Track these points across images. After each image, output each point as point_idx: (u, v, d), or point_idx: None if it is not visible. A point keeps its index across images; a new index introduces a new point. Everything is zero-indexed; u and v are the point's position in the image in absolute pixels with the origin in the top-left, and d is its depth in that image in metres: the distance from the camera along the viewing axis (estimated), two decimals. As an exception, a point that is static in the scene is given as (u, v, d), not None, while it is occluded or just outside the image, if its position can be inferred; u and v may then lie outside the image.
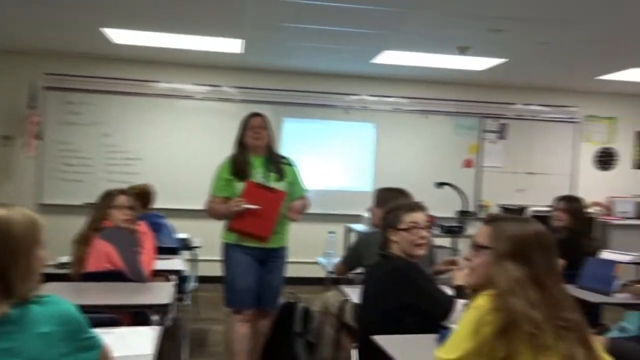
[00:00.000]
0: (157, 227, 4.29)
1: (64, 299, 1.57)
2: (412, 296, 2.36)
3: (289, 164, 3.53)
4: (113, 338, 2.00)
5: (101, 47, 5.53)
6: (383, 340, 2.16)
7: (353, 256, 3.37)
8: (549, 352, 1.49)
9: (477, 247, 1.68)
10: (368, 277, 2.73)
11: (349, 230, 5.53)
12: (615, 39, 4.45)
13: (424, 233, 2.59)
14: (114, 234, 3.07)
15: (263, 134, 3.40)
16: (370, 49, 5.18)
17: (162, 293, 2.78)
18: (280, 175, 3.41)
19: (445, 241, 5.39)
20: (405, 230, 2.54)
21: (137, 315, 2.70)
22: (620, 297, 3.36)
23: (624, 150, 7.22)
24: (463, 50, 4.85)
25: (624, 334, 3.25)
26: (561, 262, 3.87)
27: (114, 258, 2.98)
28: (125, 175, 6.07)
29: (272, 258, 3.43)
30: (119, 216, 3.13)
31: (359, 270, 3.45)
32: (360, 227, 5.14)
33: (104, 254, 2.98)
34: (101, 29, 4.83)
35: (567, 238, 3.99)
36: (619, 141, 7.20)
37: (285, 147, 6.27)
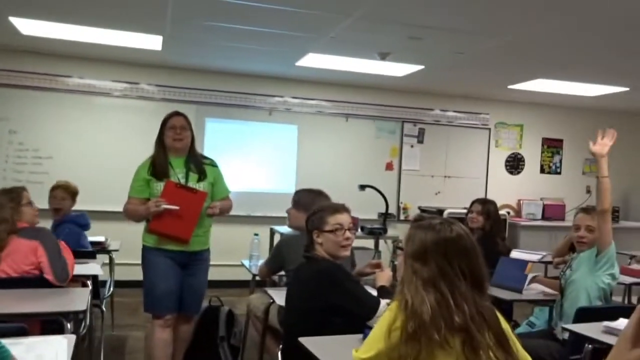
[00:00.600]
0: (84, 228, 4.10)
1: None
2: (339, 297, 2.38)
3: (211, 165, 3.46)
4: (22, 349, 1.87)
5: (8, 37, 5.18)
6: (308, 342, 2.16)
7: (276, 258, 3.36)
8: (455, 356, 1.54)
9: (400, 248, 1.74)
10: (293, 279, 2.73)
11: (273, 232, 5.50)
12: (525, 50, 4.73)
13: (348, 234, 2.62)
14: (37, 232, 2.89)
15: (183, 135, 3.31)
16: (294, 51, 5.20)
17: (78, 299, 2.64)
18: (202, 176, 3.34)
19: (367, 242, 5.50)
20: (330, 232, 2.57)
21: (47, 324, 2.55)
22: (531, 294, 3.56)
23: (531, 156, 7.69)
24: (383, 56, 4.98)
25: (532, 329, 3.46)
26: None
27: (40, 255, 2.80)
28: (34, 175, 5.73)
29: (194, 261, 3.34)
30: (30, 213, 2.95)
31: (282, 272, 3.45)
32: (284, 229, 5.13)
33: (29, 251, 2.78)
34: (10, 18, 4.52)
35: (482, 238, 4.19)
36: (527, 147, 7.67)
37: (208, 148, 6.16)
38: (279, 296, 2.92)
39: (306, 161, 6.74)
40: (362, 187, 5.40)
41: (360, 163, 6.89)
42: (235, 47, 5.19)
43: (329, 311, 2.38)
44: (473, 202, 4.38)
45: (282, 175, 6.69)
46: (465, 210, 4.54)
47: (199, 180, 3.32)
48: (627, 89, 6.10)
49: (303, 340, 2.17)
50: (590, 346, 2.59)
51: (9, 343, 1.62)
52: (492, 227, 4.22)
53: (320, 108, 6.81)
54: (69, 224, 3.99)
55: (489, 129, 7.46)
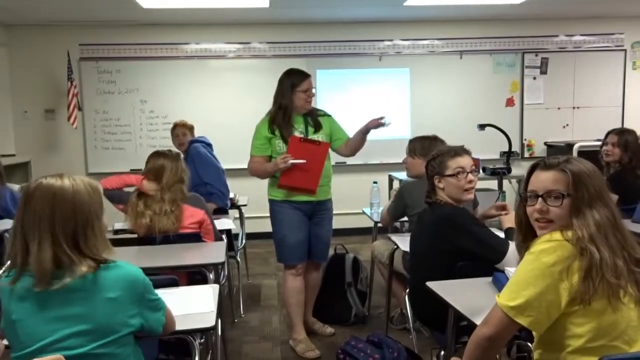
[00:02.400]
0: (210, 148, 4.52)
1: (129, 263, 1.64)
2: (465, 241, 2.37)
3: (325, 115, 3.52)
4: (176, 297, 2.09)
5: (131, 13, 5.55)
6: (436, 286, 2.18)
7: (398, 205, 3.38)
8: (624, 298, 1.48)
9: (554, 196, 1.58)
10: (417, 224, 2.74)
11: (392, 179, 5.52)
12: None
13: (471, 177, 2.59)
14: (200, 201, 3.27)
15: (312, 95, 3.40)
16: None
17: (216, 252, 2.87)
18: (318, 128, 3.42)
19: (491, 183, 5.33)
20: (451, 175, 2.54)
21: (191, 275, 2.81)
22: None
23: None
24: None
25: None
26: (614, 197, 3.81)
27: (207, 224, 3.17)
28: (167, 140, 6.16)
29: (319, 211, 3.47)
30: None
31: (405, 218, 3.47)
32: (402, 175, 5.12)
33: (195, 218, 3.11)
34: (130, -6, 4.83)
35: (620, 173, 3.89)
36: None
37: (321, 99, 6.24)
38: (403, 242, 2.96)
39: (420, 105, 6.59)
40: (482, 127, 5.19)
41: (478, 102, 6.60)
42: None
43: (455, 255, 2.38)
44: (608, 133, 4.05)
45: (397, 121, 6.60)
46: (598, 143, 4.22)
47: (316, 132, 3.41)
48: None
49: (431, 284, 2.20)
50: None
51: (163, 292, 1.82)
52: (631, 160, 3.88)
53: (432, 48, 6.57)
54: (197, 145, 4.32)
55: (625, 50, 6.74)
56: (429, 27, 6.50)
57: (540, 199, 1.60)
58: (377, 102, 6.56)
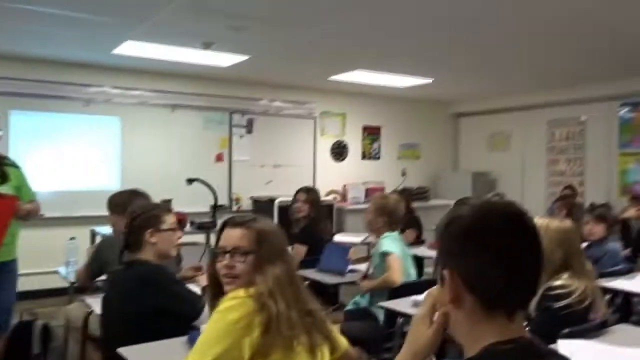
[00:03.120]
0: None
1: None
2: (164, 301, 2.30)
3: (13, 166, 3.11)
4: None
5: None
6: (129, 351, 2.06)
7: (96, 261, 3.15)
8: (297, 347, 1.60)
9: (240, 252, 1.68)
10: (110, 285, 2.57)
11: (95, 233, 5.13)
12: (343, 43, 4.98)
13: (179, 233, 2.60)
14: None
15: None
16: (110, 38, 4.86)
17: None
18: (4, 179, 2.99)
19: (198, 237, 5.40)
20: (167, 230, 2.49)
21: None
22: (353, 276, 3.79)
23: (354, 143, 8.16)
24: (207, 45, 4.89)
25: (357, 306, 3.70)
26: (304, 249, 4.23)
27: None
28: None
29: (1, 273, 2.99)
30: None
31: (104, 277, 3.24)
32: (107, 229, 4.81)
33: None
34: None
35: (309, 226, 4.36)
36: (349, 134, 8.12)
37: (14, 144, 5.53)
38: (99, 304, 2.73)
39: (132, 155, 6.38)
40: (190, 181, 5.27)
41: (189, 155, 6.71)
42: (40, 32, 4.69)
43: (153, 315, 2.29)
44: (297, 192, 4.52)
45: (105, 172, 6.25)
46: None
47: (1, 183, 2.97)
48: (431, 80, 6.76)
49: (124, 350, 2.07)
50: (401, 319, 2.84)
51: None
52: (316, 214, 4.41)
53: (144, 98, 6.49)
54: None
55: (315, 118, 7.75)
56: (140, 78, 6.41)
57: (227, 255, 1.67)
58: (83, 150, 6.11)
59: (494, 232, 0.97)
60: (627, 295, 3.53)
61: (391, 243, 3.42)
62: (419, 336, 1.13)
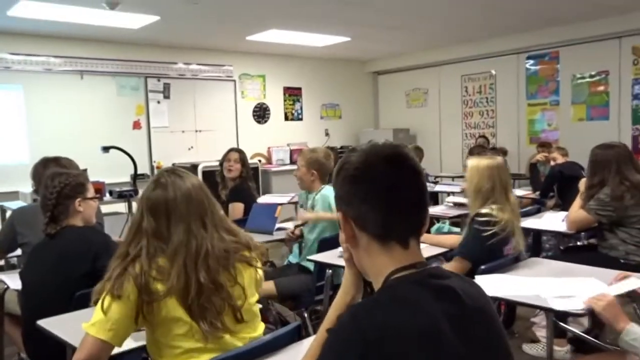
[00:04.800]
0: None
1: None
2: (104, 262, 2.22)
3: None
4: None
5: None
6: (51, 323, 1.96)
7: (8, 236, 2.95)
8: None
9: None
10: (34, 256, 2.42)
11: (4, 210, 4.81)
12: (255, 0, 4.83)
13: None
14: None
15: None
16: (4, -1, 4.46)
17: None
18: None
19: (118, 206, 5.20)
20: (92, 198, 2.48)
21: None
22: (281, 234, 3.78)
23: (275, 105, 8.07)
24: (113, 5, 4.58)
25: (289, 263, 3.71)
26: (241, 206, 4.17)
27: None
28: None
29: None
30: None
31: (18, 252, 3.05)
32: (17, 204, 4.52)
33: None
34: None
35: (241, 184, 4.31)
36: (270, 97, 8.01)
37: None
38: (14, 280, 2.58)
39: (39, 126, 5.97)
40: (106, 149, 5.03)
41: (103, 124, 6.38)
42: None
43: (82, 281, 2.19)
44: (229, 151, 4.45)
45: (11, 145, 5.83)
46: (217, 163, 4.58)
47: None
48: (349, 38, 6.75)
49: (43, 322, 1.97)
50: (330, 271, 2.88)
51: None
52: (247, 174, 4.36)
53: (49, 65, 6.05)
54: None
55: (234, 81, 7.58)
56: (43, 43, 5.96)
57: None
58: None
59: (375, 173, 1.04)
60: (537, 234, 3.77)
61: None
62: (345, 277, 1.24)
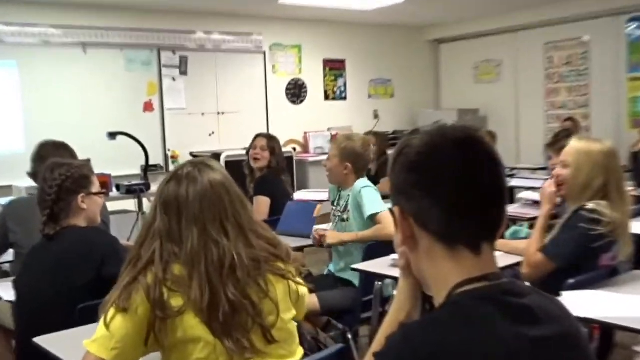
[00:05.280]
0: None
1: None
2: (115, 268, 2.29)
3: None
4: None
5: None
6: (50, 340, 2.03)
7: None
8: None
9: None
10: (32, 260, 2.50)
11: (-4, 206, 4.98)
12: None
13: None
14: None
15: None
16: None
17: None
18: None
19: (127, 203, 5.32)
20: (97, 194, 2.54)
21: None
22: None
23: (313, 81, 8.09)
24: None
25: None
26: (267, 201, 4.21)
27: None
28: None
29: None
30: None
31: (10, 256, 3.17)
32: (5, 199, 4.67)
33: None
34: None
35: (269, 178, 4.35)
36: (307, 71, 8.03)
37: None
38: (6, 289, 2.68)
39: (35, 108, 6.17)
40: (112, 135, 5.14)
41: (109, 106, 6.54)
42: None
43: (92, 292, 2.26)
44: (256, 137, 4.52)
45: (4, 131, 6.04)
46: (244, 152, 4.64)
47: None
48: (402, 1, 6.69)
49: (41, 339, 2.04)
50: (379, 283, 2.87)
51: None
52: (278, 164, 4.40)
53: (47, 37, 6.25)
54: None
55: (264, 53, 7.63)
56: (40, 11, 6.15)
57: None
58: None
59: (442, 159, 1.02)
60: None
61: (374, 192, 3.36)
62: (399, 290, 1.22)
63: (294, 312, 1.79)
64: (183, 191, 1.69)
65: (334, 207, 3.60)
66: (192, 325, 1.60)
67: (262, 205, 4.17)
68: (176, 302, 1.59)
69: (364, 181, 3.42)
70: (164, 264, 1.62)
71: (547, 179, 3.35)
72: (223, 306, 1.59)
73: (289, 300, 1.77)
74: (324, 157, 7.32)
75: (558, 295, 2.24)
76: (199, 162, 1.79)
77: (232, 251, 1.66)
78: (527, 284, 1.14)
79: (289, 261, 1.78)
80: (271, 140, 4.51)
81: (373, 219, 3.23)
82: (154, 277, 1.60)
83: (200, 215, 1.67)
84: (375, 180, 4.01)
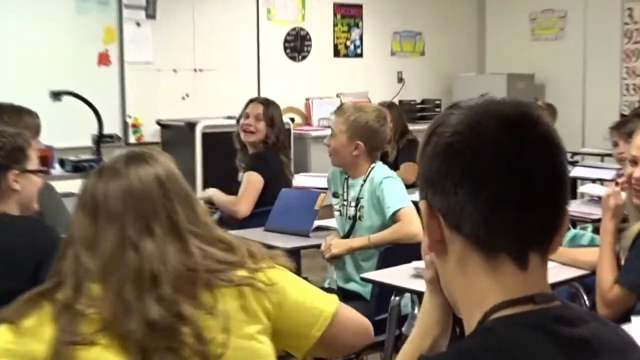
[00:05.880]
0: None
1: None
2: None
3: None
4: None
5: None
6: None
7: None
8: None
9: None
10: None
11: None
12: None
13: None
14: None
15: None
16: None
17: None
18: None
19: (74, 184, 5.32)
20: (35, 172, 2.54)
21: None
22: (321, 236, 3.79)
23: (319, 32, 8.08)
24: None
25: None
26: (260, 180, 4.20)
27: None
28: None
29: None
30: None
31: None
32: None
33: None
34: None
35: (266, 156, 4.33)
36: (311, 18, 8.02)
37: None
38: None
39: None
40: (56, 96, 5.15)
41: (55, 57, 6.53)
42: None
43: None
44: (249, 102, 4.49)
45: None
46: (228, 122, 4.62)
47: None
48: None
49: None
50: (397, 298, 2.87)
51: None
52: (278, 140, 4.38)
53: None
54: None
55: (255, -6, 7.62)
56: None
57: None
58: None
59: (484, 142, 1.00)
60: None
61: (399, 184, 3.34)
62: (424, 310, 1.23)
63: (264, 324, 1.75)
64: (101, 186, 1.68)
65: (338, 201, 3.57)
66: (106, 357, 1.56)
67: (254, 183, 4.15)
68: (88, 328, 1.55)
69: (384, 169, 3.39)
70: (78, 280, 1.60)
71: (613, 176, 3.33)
72: (141, 329, 1.56)
73: (256, 308, 1.73)
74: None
75: (627, 320, 2.23)
76: (136, 153, 1.77)
77: (154, 258, 1.64)
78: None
79: (257, 262, 1.75)
80: (269, 107, 4.46)
81: (394, 218, 3.23)
82: (64, 298, 1.58)
83: (119, 214, 1.65)
84: (393, 167, 3.97)
